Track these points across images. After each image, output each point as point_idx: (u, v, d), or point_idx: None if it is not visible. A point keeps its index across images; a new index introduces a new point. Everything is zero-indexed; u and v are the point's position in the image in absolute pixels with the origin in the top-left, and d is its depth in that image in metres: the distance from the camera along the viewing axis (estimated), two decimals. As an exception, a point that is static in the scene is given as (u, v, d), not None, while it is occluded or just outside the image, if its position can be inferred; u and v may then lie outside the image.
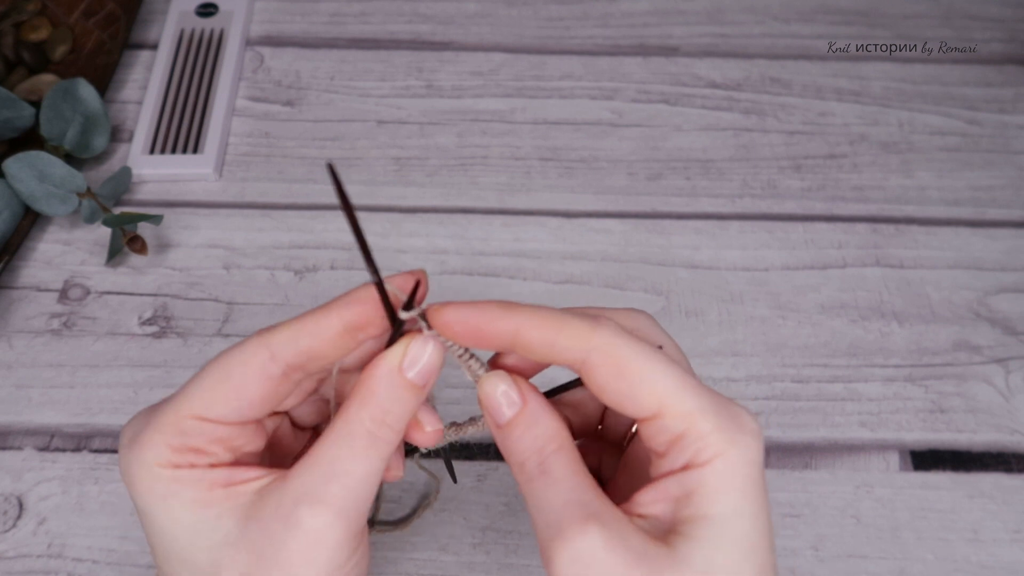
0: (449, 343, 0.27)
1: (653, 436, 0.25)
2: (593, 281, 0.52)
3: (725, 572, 0.24)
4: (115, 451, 0.46)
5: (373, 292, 0.26)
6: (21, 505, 0.44)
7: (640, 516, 0.25)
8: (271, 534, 0.25)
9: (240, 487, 0.26)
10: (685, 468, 0.25)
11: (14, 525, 0.43)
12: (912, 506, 0.45)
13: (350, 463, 0.25)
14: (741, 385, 0.48)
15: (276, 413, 0.30)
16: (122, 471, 0.26)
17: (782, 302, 0.52)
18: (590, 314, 0.26)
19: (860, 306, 0.52)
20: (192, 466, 0.26)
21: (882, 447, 0.47)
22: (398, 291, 0.26)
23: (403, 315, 0.26)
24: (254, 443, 0.28)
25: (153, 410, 0.27)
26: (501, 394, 0.27)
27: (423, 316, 0.27)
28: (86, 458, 0.46)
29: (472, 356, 0.28)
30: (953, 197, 0.57)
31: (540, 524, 0.25)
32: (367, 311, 0.26)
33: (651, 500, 0.25)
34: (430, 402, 0.29)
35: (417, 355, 0.26)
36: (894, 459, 0.46)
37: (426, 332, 0.27)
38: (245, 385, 0.26)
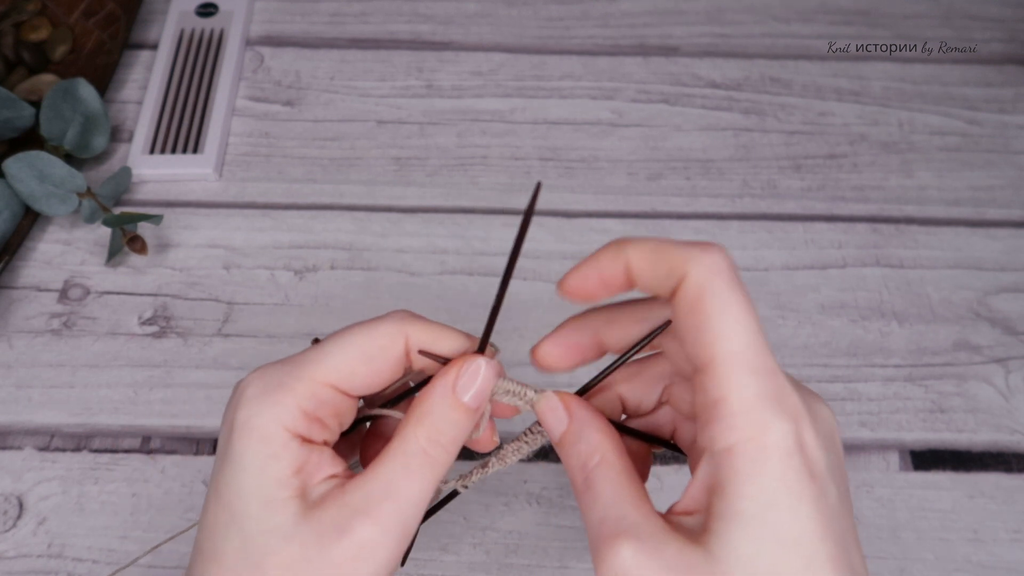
0: (499, 383, 0.28)
1: (697, 392, 0.24)
2: (593, 281, 0.52)
3: (766, 573, 0.22)
4: (115, 451, 0.46)
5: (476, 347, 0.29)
6: (21, 505, 0.44)
7: (686, 513, 0.25)
8: (322, 540, 0.26)
9: (316, 485, 0.27)
10: (713, 454, 0.24)
11: (14, 525, 0.43)
12: (912, 506, 0.45)
13: (404, 482, 0.27)
14: (741, 385, 0.48)
15: None
16: (241, 420, 0.27)
17: (782, 302, 0.52)
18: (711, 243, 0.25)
19: (860, 306, 0.52)
20: (308, 441, 0.27)
21: (882, 447, 0.47)
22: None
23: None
24: (349, 420, 0.30)
25: (285, 370, 0.27)
26: (551, 413, 0.28)
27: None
28: (86, 458, 0.46)
29: (524, 386, 0.29)
30: (953, 197, 0.57)
31: (589, 539, 0.25)
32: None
33: (692, 494, 0.25)
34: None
35: (470, 379, 0.28)
36: (894, 459, 0.46)
37: (482, 357, 0.28)
38: (384, 369, 0.28)
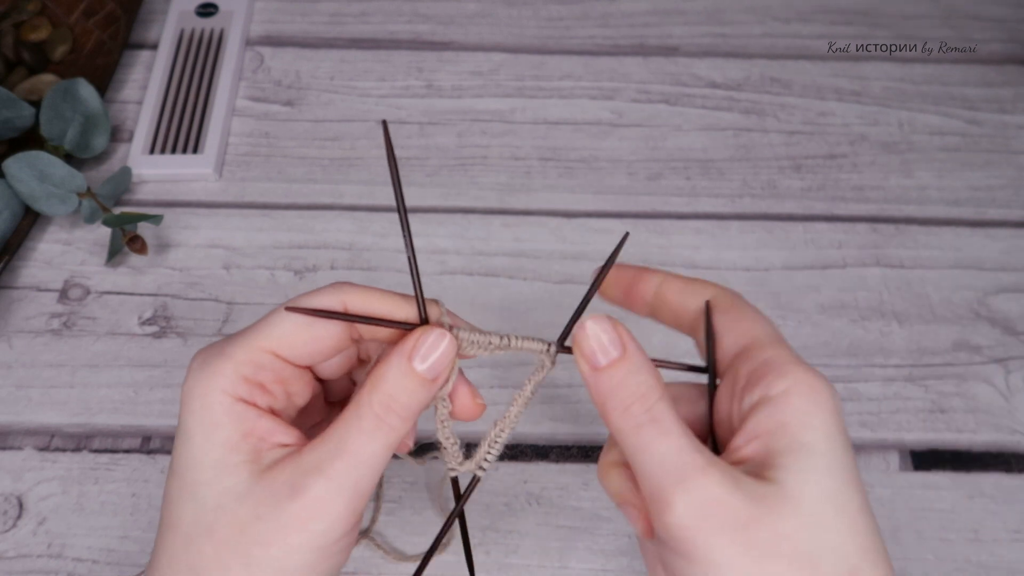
0: (464, 335, 0.28)
1: (742, 365, 0.27)
2: (593, 281, 0.52)
3: (832, 500, 0.24)
4: (115, 451, 0.46)
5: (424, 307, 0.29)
6: (21, 505, 0.44)
7: (736, 463, 0.26)
8: (276, 498, 0.26)
9: (269, 451, 0.27)
10: (770, 400, 0.26)
11: (14, 525, 0.43)
12: (912, 506, 0.45)
13: (356, 443, 0.27)
14: (741, 385, 0.48)
15: (320, 380, 0.32)
16: (185, 392, 0.28)
17: (782, 302, 0.52)
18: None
19: (860, 306, 0.52)
20: (252, 404, 0.28)
21: (882, 447, 0.47)
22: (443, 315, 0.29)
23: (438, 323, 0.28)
24: (303, 396, 0.30)
25: (227, 341, 0.28)
26: (602, 337, 0.27)
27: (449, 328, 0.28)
28: (86, 458, 0.46)
29: (487, 333, 0.28)
30: (953, 197, 0.57)
31: (653, 470, 0.25)
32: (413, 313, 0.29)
33: (744, 442, 0.26)
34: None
35: (428, 350, 0.27)
36: (894, 459, 0.46)
37: (443, 329, 0.28)
38: (323, 336, 0.28)
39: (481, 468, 0.30)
